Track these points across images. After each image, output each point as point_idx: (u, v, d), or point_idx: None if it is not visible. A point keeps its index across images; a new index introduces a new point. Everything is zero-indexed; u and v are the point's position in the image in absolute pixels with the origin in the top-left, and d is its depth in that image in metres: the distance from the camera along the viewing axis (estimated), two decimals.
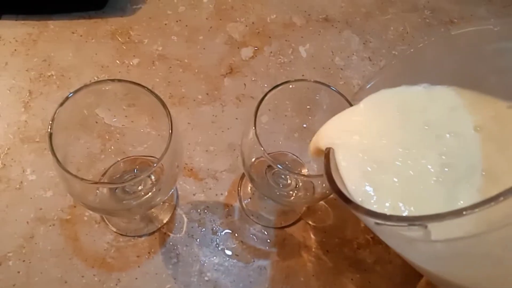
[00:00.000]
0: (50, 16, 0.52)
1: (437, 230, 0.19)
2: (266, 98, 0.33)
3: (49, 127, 0.28)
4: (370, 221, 0.22)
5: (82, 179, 0.28)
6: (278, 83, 0.34)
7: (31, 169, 0.43)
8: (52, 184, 0.43)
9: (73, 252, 0.40)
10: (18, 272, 0.39)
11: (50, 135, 0.28)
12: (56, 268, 0.40)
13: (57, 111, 0.29)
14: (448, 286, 0.25)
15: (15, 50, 0.50)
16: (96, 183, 0.34)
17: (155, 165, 0.30)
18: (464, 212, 0.17)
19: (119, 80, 0.32)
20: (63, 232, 0.41)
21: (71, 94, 0.29)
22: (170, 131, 0.30)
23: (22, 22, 0.52)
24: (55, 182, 0.43)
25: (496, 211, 0.17)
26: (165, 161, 0.31)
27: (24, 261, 0.40)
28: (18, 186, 0.43)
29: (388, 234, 0.24)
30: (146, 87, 0.31)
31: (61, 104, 0.29)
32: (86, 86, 0.30)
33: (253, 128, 0.32)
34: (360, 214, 0.23)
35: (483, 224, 0.18)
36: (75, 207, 0.42)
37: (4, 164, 0.43)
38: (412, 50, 0.30)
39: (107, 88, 0.33)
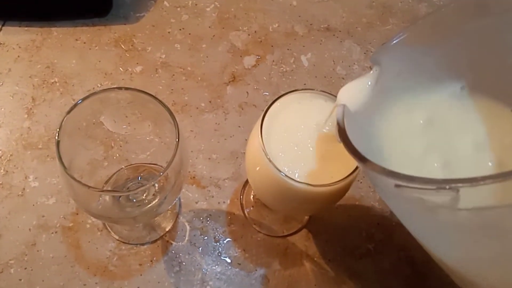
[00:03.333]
0: (54, 23, 0.52)
1: (467, 197, 0.18)
2: (273, 106, 0.34)
3: (57, 134, 0.28)
4: (389, 184, 0.21)
5: (89, 186, 0.28)
6: (280, 91, 0.34)
7: (33, 176, 0.43)
8: (55, 191, 0.43)
9: (75, 260, 0.40)
10: (20, 279, 0.39)
11: (58, 142, 0.28)
12: (58, 276, 0.39)
13: (65, 119, 0.29)
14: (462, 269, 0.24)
15: (19, 56, 0.50)
16: (102, 191, 0.34)
17: (161, 173, 0.30)
18: (508, 176, 0.16)
19: (126, 88, 0.32)
20: (65, 239, 0.41)
21: (80, 101, 0.29)
22: (177, 140, 0.30)
23: (26, 28, 0.52)
24: (57, 189, 0.43)
25: None
26: (171, 170, 0.31)
27: (25, 268, 0.39)
28: (20, 193, 0.42)
29: (405, 200, 0.22)
30: (154, 96, 0.31)
31: (69, 112, 0.29)
32: (94, 93, 0.30)
33: (259, 136, 0.32)
34: (378, 174, 0.21)
35: None
36: (77, 214, 0.42)
37: (7, 171, 0.43)
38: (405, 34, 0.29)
39: (112, 96, 0.33)
